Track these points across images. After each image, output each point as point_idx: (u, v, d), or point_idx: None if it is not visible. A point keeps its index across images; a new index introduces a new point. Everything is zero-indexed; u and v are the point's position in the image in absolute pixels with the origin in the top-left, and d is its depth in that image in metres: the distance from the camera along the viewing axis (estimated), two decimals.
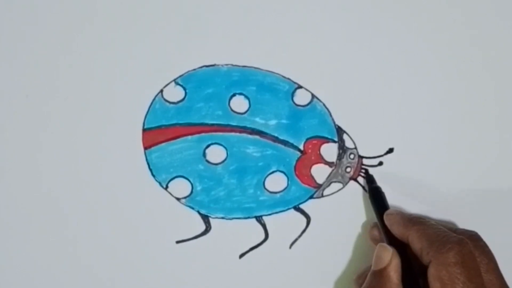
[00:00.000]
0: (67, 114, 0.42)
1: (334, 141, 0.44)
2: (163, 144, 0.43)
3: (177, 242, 0.43)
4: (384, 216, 0.41)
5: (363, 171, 0.44)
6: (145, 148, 0.43)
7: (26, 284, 0.43)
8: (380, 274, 0.39)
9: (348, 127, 0.44)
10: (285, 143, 0.44)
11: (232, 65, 0.43)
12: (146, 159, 0.43)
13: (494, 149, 0.45)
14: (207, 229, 0.44)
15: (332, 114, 0.44)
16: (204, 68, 0.43)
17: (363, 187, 0.44)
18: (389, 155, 0.44)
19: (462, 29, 0.44)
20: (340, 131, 0.44)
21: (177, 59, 0.43)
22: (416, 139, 0.44)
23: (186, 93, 0.43)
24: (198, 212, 0.44)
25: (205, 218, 0.44)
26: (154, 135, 0.43)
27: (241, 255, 0.44)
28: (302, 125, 0.44)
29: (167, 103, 0.43)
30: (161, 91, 0.43)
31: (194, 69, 0.43)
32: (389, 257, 0.39)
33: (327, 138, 0.44)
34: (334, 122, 0.44)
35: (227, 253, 0.44)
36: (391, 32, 0.44)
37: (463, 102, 0.44)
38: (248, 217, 0.43)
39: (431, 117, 0.44)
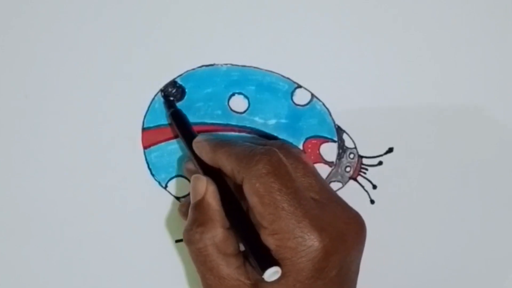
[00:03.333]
0: (66, 113, 0.42)
1: (334, 141, 0.44)
2: (163, 143, 0.43)
3: (177, 241, 0.44)
4: (193, 145, 0.40)
5: (363, 171, 0.44)
6: (145, 148, 0.43)
7: (26, 284, 0.43)
8: (199, 205, 0.38)
9: (347, 126, 0.44)
10: None
11: (231, 64, 0.43)
12: (146, 159, 0.43)
13: (495, 149, 0.45)
14: None
15: (332, 113, 0.44)
16: (204, 67, 0.43)
17: (363, 187, 0.44)
18: (389, 155, 0.44)
19: (463, 29, 0.44)
20: (339, 130, 0.44)
21: (176, 59, 0.43)
22: (416, 139, 0.44)
23: (185, 93, 0.43)
24: None
25: None
26: (153, 134, 0.43)
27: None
28: (302, 124, 0.43)
29: None
30: (161, 90, 0.43)
31: (193, 69, 0.43)
32: (204, 186, 0.38)
33: (326, 137, 0.44)
34: (333, 122, 0.44)
35: None
36: (391, 31, 0.43)
37: (463, 102, 0.44)
38: None
39: (431, 117, 0.44)
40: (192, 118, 0.43)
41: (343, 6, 0.43)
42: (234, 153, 0.38)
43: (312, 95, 0.43)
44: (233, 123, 0.43)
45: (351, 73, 0.43)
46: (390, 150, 0.44)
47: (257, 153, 0.37)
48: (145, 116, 0.43)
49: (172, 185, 0.43)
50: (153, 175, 0.43)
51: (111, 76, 0.43)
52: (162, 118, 0.43)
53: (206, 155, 0.39)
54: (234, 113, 0.43)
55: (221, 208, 0.38)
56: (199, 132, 0.42)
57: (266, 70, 0.43)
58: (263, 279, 0.36)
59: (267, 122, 0.43)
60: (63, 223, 0.43)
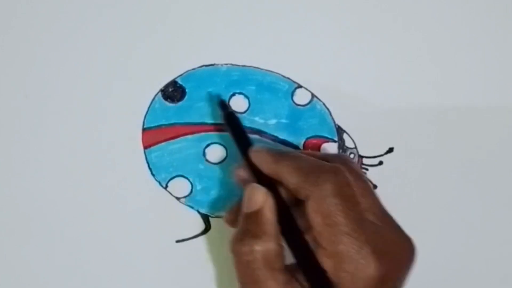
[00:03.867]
0: (66, 114, 0.42)
1: (334, 141, 0.44)
2: (163, 143, 0.43)
3: (177, 241, 0.44)
4: (251, 154, 0.39)
5: (364, 171, 0.44)
6: (145, 148, 0.43)
7: (26, 284, 0.43)
8: (254, 216, 0.37)
9: (348, 126, 0.44)
10: (284, 142, 0.43)
11: (231, 64, 0.43)
12: (146, 159, 0.43)
13: (495, 149, 0.45)
14: (207, 228, 0.44)
15: (332, 113, 0.44)
16: (204, 67, 0.43)
17: None
18: (389, 155, 0.44)
19: (463, 29, 0.44)
20: (340, 130, 0.44)
21: (176, 59, 0.43)
22: (416, 139, 0.44)
23: (185, 93, 0.43)
24: (198, 211, 0.44)
25: (205, 218, 0.44)
26: (153, 134, 0.43)
27: None
28: (302, 124, 0.44)
29: (167, 103, 0.43)
30: (161, 90, 0.43)
31: (194, 69, 0.43)
32: (263, 198, 0.37)
33: (327, 137, 0.44)
34: (334, 122, 0.44)
35: (227, 252, 0.43)
36: (391, 31, 0.43)
37: (463, 102, 0.44)
38: None
39: (431, 117, 0.44)
40: (192, 118, 0.43)
41: (343, 6, 0.43)
42: (299, 168, 0.37)
43: (313, 95, 0.43)
44: None
45: (351, 73, 0.44)
46: (390, 150, 0.44)
47: (324, 171, 0.36)
48: (145, 116, 0.43)
49: (172, 185, 0.43)
50: (153, 175, 0.43)
51: (111, 76, 0.43)
52: (162, 118, 0.43)
53: (266, 166, 0.38)
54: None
55: (277, 223, 0.37)
56: (200, 132, 0.42)
57: (266, 70, 0.43)
58: None
59: (268, 122, 0.43)
60: (63, 223, 0.43)
